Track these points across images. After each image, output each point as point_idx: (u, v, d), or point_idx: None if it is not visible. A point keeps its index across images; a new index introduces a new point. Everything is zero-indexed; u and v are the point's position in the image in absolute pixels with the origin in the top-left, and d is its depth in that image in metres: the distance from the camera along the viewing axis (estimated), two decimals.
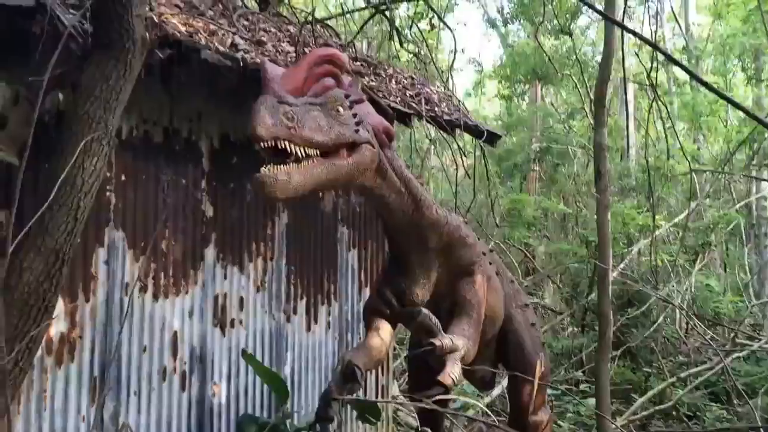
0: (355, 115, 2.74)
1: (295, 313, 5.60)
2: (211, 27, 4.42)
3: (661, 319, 10.12)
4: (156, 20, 4.07)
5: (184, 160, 4.80)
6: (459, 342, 3.24)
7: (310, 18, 5.54)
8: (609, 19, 5.34)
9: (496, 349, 4.29)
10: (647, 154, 8.51)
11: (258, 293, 5.31)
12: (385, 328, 3.60)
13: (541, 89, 18.20)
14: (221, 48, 4.23)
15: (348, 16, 8.17)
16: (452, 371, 3.13)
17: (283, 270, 5.51)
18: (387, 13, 6.47)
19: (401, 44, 7.25)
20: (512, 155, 16.61)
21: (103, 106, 3.46)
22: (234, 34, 4.52)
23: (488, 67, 20.79)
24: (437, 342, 3.14)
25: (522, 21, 16.92)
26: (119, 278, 4.42)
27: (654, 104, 7.19)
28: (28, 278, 3.20)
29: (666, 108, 7.97)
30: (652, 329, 9.97)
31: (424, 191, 3.32)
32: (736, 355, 9.21)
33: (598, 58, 14.68)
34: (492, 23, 20.36)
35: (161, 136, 4.66)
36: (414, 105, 5.55)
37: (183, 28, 4.18)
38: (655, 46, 4.16)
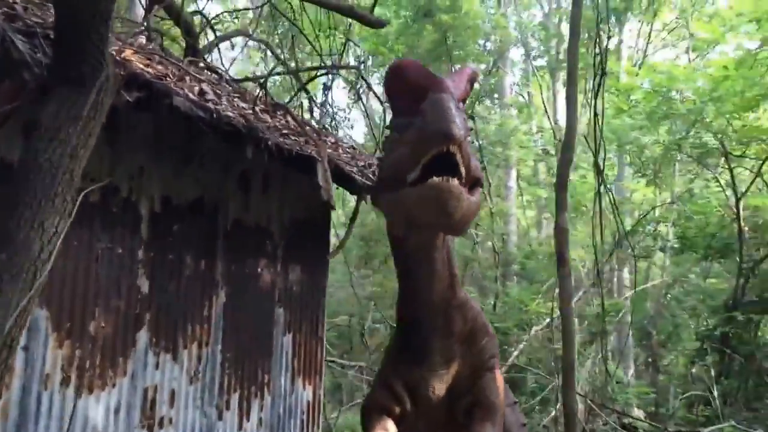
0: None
1: (227, 408, 4.80)
2: (178, 72, 3.80)
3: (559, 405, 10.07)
4: (119, 59, 3.42)
5: (121, 224, 4.03)
6: None
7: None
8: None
9: None
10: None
11: (191, 385, 4.50)
12: (390, 430, 3.04)
13: None
14: (191, 95, 3.61)
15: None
16: None
17: (218, 357, 4.74)
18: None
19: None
20: None
21: (69, 153, 2.73)
22: (201, 81, 3.91)
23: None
24: None
25: None
26: (38, 368, 3.52)
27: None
28: None
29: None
30: (551, 416, 9.88)
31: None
32: None
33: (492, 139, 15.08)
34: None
35: (98, 194, 3.88)
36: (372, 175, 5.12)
37: (150, 71, 3.53)
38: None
